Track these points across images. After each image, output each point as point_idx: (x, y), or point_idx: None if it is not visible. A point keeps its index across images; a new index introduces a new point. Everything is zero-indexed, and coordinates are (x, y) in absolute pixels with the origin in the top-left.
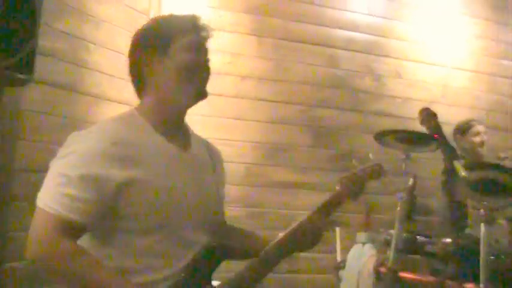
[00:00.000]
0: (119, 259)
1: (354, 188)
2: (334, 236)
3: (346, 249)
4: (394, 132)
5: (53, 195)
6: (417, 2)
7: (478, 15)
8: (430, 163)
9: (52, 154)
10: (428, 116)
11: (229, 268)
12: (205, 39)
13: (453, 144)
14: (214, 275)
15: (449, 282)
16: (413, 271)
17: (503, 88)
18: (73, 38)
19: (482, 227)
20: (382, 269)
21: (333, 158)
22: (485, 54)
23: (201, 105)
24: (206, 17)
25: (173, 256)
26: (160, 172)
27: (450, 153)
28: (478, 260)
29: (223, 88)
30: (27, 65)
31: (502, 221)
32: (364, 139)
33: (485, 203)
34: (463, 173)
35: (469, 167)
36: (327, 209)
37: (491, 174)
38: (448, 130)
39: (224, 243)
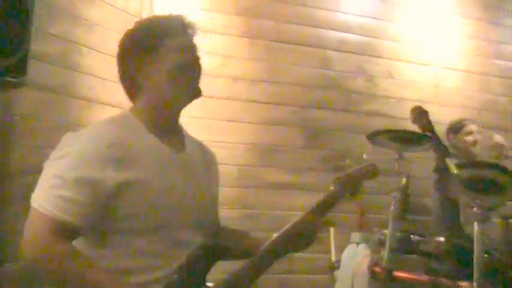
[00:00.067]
0: (114, 260)
1: (348, 188)
2: (328, 236)
3: (340, 249)
4: (387, 132)
5: (48, 196)
6: (409, 2)
7: (470, 15)
8: (423, 162)
9: (45, 157)
10: (420, 114)
11: (224, 269)
12: (193, 37)
13: (446, 143)
14: (208, 276)
15: (443, 281)
16: (407, 270)
17: (495, 87)
18: (65, 41)
19: (476, 225)
20: (377, 269)
21: (326, 159)
22: (477, 54)
23: (193, 107)
24: (198, 19)
25: (168, 256)
26: (155, 173)
27: (442, 151)
28: (472, 258)
29: (216, 90)
30: (19, 69)
31: (496, 219)
32: (357, 139)
33: (478, 201)
34: (455, 170)
35: (462, 166)
36: (321, 210)
37: (484, 172)
38: (440, 130)
39: (218, 244)
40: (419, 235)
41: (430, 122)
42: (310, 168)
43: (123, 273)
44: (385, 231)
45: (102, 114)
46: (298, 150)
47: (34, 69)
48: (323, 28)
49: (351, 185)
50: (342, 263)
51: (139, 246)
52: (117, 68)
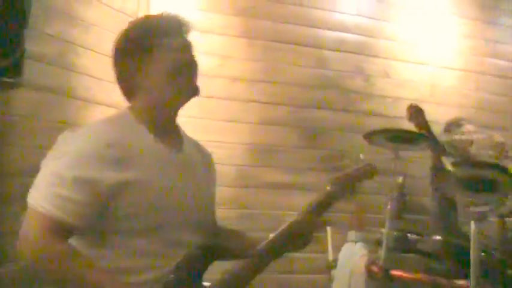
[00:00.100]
0: (113, 259)
1: (345, 188)
2: (325, 236)
3: (337, 249)
4: (384, 131)
5: (46, 195)
6: (405, 2)
7: (467, 14)
8: (421, 162)
9: (42, 158)
10: (415, 112)
11: (221, 269)
12: (188, 36)
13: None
14: (206, 275)
15: (440, 280)
16: (404, 269)
17: (492, 87)
18: (62, 41)
19: (473, 224)
20: (374, 268)
21: (324, 158)
22: (474, 53)
23: (191, 107)
24: (195, 19)
25: (166, 256)
26: (154, 173)
27: (438, 150)
28: (469, 257)
29: (214, 90)
30: (16, 69)
31: (493, 218)
32: (355, 139)
33: (473, 199)
34: (449, 167)
35: (458, 165)
36: (318, 210)
37: (481, 171)
38: (437, 129)
39: (215, 244)
40: (417, 234)
41: (425, 120)
42: (308, 168)
43: (122, 273)
44: (382, 230)
45: (99, 114)
46: (296, 150)
47: (30, 69)
48: (320, 28)
49: (348, 185)
50: (339, 262)
51: (138, 246)
52: (113, 68)
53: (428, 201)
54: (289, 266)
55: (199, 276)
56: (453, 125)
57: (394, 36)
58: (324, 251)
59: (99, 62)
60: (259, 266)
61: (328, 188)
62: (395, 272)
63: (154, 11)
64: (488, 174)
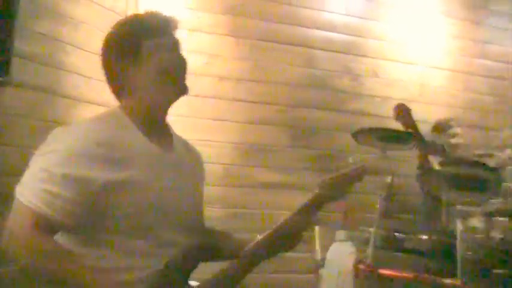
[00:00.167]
0: (101, 259)
1: (334, 190)
2: (313, 235)
3: (325, 248)
4: (371, 130)
5: (33, 189)
6: (394, 1)
7: (455, 15)
8: (410, 161)
9: (30, 157)
10: (402, 111)
11: (209, 269)
12: (175, 35)
13: (434, 139)
14: (195, 275)
15: (428, 278)
16: (392, 268)
17: (480, 87)
18: (50, 40)
19: (459, 222)
20: (362, 266)
21: (312, 158)
22: (462, 53)
23: (179, 105)
24: (184, 18)
25: (153, 256)
26: (144, 173)
27: (424, 149)
28: (455, 255)
29: (201, 89)
30: (4, 68)
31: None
32: (343, 138)
33: (460, 198)
34: (436, 166)
35: (445, 163)
36: (306, 211)
37: (467, 170)
38: (426, 128)
39: (202, 245)
40: (404, 233)
41: (412, 120)
42: (296, 168)
43: (111, 272)
44: (370, 229)
45: (88, 113)
46: (284, 150)
47: (18, 68)
48: (308, 27)
49: (337, 188)
50: (327, 261)
51: (125, 245)
52: (102, 68)
53: (416, 200)
54: (275, 265)
55: (185, 277)
56: (442, 126)
57: (383, 36)
58: (310, 250)
59: (88, 60)
60: (247, 267)
61: (317, 190)
62: (383, 271)
63: (143, 9)
64: (476, 173)
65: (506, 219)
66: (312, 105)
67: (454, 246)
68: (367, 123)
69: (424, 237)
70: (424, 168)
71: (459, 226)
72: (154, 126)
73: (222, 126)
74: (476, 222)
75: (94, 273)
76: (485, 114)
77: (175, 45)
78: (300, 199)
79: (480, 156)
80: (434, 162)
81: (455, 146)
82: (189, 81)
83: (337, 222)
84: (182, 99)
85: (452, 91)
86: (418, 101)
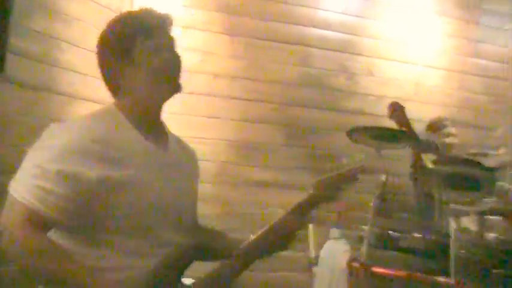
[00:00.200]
0: (94, 256)
1: (328, 191)
2: (307, 233)
3: (319, 246)
4: (366, 129)
5: (27, 185)
6: (390, 0)
7: (451, 14)
8: (405, 159)
9: (24, 154)
10: (396, 110)
11: (203, 268)
12: (169, 33)
13: (428, 138)
14: (190, 273)
15: (421, 276)
16: (386, 266)
17: (474, 86)
18: (45, 37)
19: (452, 221)
20: (355, 265)
21: (306, 157)
22: (457, 52)
23: (173, 103)
24: (178, 15)
25: (147, 255)
26: (139, 171)
27: (418, 146)
28: (449, 254)
29: (196, 86)
30: None
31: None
32: (338, 137)
33: (454, 197)
34: (430, 165)
35: (439, 162)
36: (300, 211)
37: (461, 169)
38: (420, 127)
39: (196, 244)
40: (398, 231)
41: (406, 118)
42: (290, 166)
43: (105, 271)
44: (364, 227)
45: (83, 110)
46: (278, 148)
47: (13, 65)
48: (304, 25)
49: (331, 189)
50: (320, 259)
51: (119, 243)
52: (98, 65)
53: (410, 198)
54: (271, 263)
55: (178, 276)
56: (436, 125)
57: (378, 35)
58: (306, 248)
59: (84, 58)
60: (241, 266)
61: (311, 190)
62: (377, 269)
63: (138, 6)
64: (470, 172)
65: (500, 218)
66: (306, 104)
67: (447, 244)
68: (362, 121)
69: (418, 235)
70: (417, 167)
71: (452, 225)
72: (149, 124)
73: (217, 123)
74: (470, 221)
75: (87, 271)
76: (479, 114)
77: (169, 43)
78: (294, 198)
79: (474, 155)
80: (428, 161)
81: (450, 145)
82: (184, 78)
83: (331, 221)
84: (177, 97)
85: (447, 90)
86: (413, 99)
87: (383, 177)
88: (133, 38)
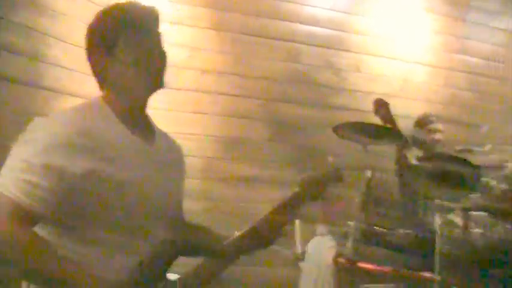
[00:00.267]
0: (79, 252)
1: (313, 191)
2: (293, 229)
3: (305, 241)
4: (352, 125)
5: (12, 179)
6: None
7: (438, 11)
8: (391, 155)
9: (9, 150)
10: (380, 106)
11: (188, 263)
12: (154, 28)
13: (415, 134)
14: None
15: (407, 272)
16: (372, 261)
17: (460, 82)
18: (32, 32)
19: (437, 217)
20: (341, 260)
21: (293, 152)
22: (444, 49)
23: (160, 99)
24: (166, 10)
25: (132, 250)
26: (125, 165)
27: (402, 143)
28: (434, 249)
29: (183, 82)
30: None
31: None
32: (325, 133)
33: (438, 193)
34: (413, 161)
35: (423, 158)
36: (285, 209)
37: (446, 165)
38: (408, 123)
39: (181, 239)
40: (384, 227)
41: (391, 114)
42: (276, 162)
43: (89, 265)
44: (350, 223)
45: (70, 105)
46: (265, 144)
47: None
48: (292, 21)
49: (315, 188)
50: (307, 255)
51: (104, 238)
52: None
53: (396, 194)
54: (258, 258)
55: (163, 271)
56: (424, 121)
57: (366, 31)
58: (292, 244)
59: (70, 53)
60: (225, 262)
61: (296, 189)
62: (363, 265)
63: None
64: (455, 168)
65: (485, 214)
66: (294, 100)
67: (432, 240)
68: (349, 118)
69: (403, 231)
70: (401, 164)
71: (437, 221)
72: (135, 118)
73: (204, 119)
74: (455, 217)
75: (73, 266)
76: (465, 110)
77: (154, 37)
78: (280, 194)
79: (460, 151)
80: (412, 157)
81: (436, 141)
82: (171, 74)
83: (317, 217)
84: (164, 93)
85: (433, 87)
86: (400, 96)
87: (369, 173)
88: (119, 31)
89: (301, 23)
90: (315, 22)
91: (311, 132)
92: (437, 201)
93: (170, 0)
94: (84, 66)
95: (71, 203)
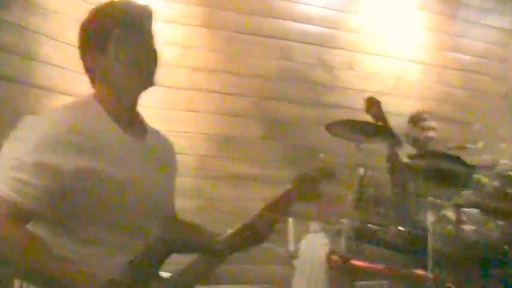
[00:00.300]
0: (71, 248)
1: (305, 188)
2: (286, 226)
3: (299, 239)
4: (345, 123)
5: (5, 179)
6: None
7: (431, 8)
8: (383, 153)
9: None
10: (371, 104)
11: (180, 261)
12: (149, 25)
13: (409, 132)
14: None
15: (399, 269)
16: (365, 259)
17: (452, 80)
18: (24, 30)
19: (430, 214)
20: (334, 257)
21: (285, 150)
22: (437, 47)
23: (153, 97)
24: (158, 8)
25: (125, 247)
26: (116, 163)
27: (392, 140)
28: (426, 247)
29: (175, 80)
30: None
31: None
32: (318, 131)
33: (430, 190)
34: (404, 159)
35: (415, 156)
36: (278, 206)
37: (438, 163)
38: (401, 121)
39: (173, 237)
40: (377, 224)
41: (382, 112)
42: (269, 160)
43: (81, 262)
44: (343, 220)
45: (61, 104)
46: (257, 141)
47: None
48: (284, 19)
49: (307, 186)
50: (301, 253)
51: (96, 235)
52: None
53: (388, 192)
54: (251, 256)
55: (155, 269)
56: (417, 118)
57: (359, 29)
58: (286, 241)
59: (62, 51)
60: (217, 260)
61: (288, 186)
62: (356, 262)
63: None
64: (446, 166)
65: (477, 211)
66: (287, 98)
67: (425, 238)
68: (342, 116)
69: (396, 229)
70: (393, 161)
71: (430, 218)
72: (126, 115)
73: (196, 117)
74: (448, 214)
75: (66, 263)
76: (457, 107)
77: (146, 36)
78: (273, 191)
79: (452, 149)
80: (403, 154)
81: (429, 139)
82: (163, 72)
83: (310, 214)
84: (156, 91)
85: (426, 84)
86: (393, 94)
87: (361, 171)
88: (111, 29)
89: (294, 21)
90: (308, 20)
91: (304, 130)
92: (429, 198)
93: None
94: (76, 64)
95: (63, 201)
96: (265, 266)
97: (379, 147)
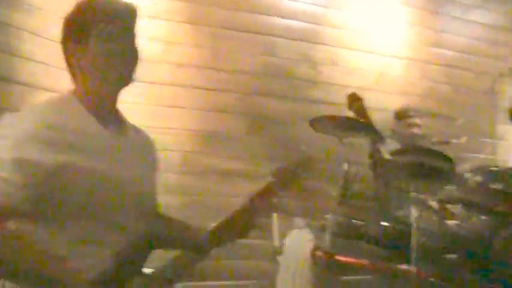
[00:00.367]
0: (55, 244)
1: (286, 179)
2: (271, 222)
3: (283, 235)
4: (329, 118)
5: None
6: None
7: (414, 4)
8: (367, 149)
9: None
10: (353, 100)
11: (162, 256)
12: (130, 21)
13: (395, 127)
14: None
15: (383, 264)
16: (349, 254)
17: (436, 75)
18: (5, 26)
19: (413, 209)
20: (319, 253)
21: (270, 146)
22: (420, 42)
23: (136, 93)
24: (141, 4)
25: (105, 243)
26: (96, 159)
27: (374, 136)
28: (410, 242)
29: (159, 76)
30: None
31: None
32: (301, 127)
33: (413, 186)
34: (386, 155)
35: (399, 152)
36: (259, 200)
37: (422, 158)
38: (384, 117)
39: (156, 233)
40: (361, 220)
41: (364, 108)
42: (253, 156)
43: (60, 258)
44: (328, 216)
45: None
46: (241, 137)
47: None
48: (268, 15)
49: (288, 177)
50: (285, 248)
51: (77, 231)
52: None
53: (372, 187)
54: (235, 252)
55: (138, 265)
56: (403, 113)
57: (342, 24)
58: (270, 237)
59: (45, 47)
60: (200, 255)
61: (270, 179)
62: (340, 257)
63: None
64: (429, 161)
65: (460, 206)
66: (271, 94)
67: (408, 233)
68: (325, 111)
69: (380, 224)
70: (375, 157)
71: (413, 213)
72: (106, 111)
73: (180, 113)
74: (431, 209)
75: (46, 259)
76: (441, 103)
77: (128, 32)
78: (257, 187)
79: (436, 143)
80: (385, 150)
81: (414, 135)
82: (146, 68)
83: (294, 210)
84: (140, 87)
85: (409, 80)
86: (376, 89)
87: (346, 167)
88: (91, 25)
89: (278, 16)
90: (292, 16)
91: (288, 126)
92: (413, 194)
93: None
94: (59, 60)
95: (43, 198)
96: (249, 262)
97: (362, 143)
